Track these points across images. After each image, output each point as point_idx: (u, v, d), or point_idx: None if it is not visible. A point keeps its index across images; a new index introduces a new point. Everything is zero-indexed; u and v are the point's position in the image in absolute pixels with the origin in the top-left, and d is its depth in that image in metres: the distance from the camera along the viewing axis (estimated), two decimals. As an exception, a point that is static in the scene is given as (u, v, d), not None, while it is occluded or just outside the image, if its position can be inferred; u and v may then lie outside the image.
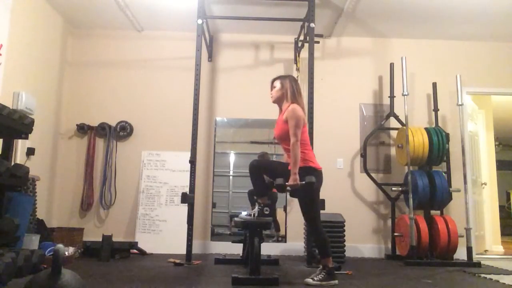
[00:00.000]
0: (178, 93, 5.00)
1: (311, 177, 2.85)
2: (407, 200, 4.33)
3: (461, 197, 4.56)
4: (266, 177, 3.11)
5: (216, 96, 5.08)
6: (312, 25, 4.06)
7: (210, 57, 5.12)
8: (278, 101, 3.13)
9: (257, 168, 3.10)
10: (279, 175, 2.95)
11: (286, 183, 2.86)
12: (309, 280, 2.83)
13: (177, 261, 3.72)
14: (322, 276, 2.86)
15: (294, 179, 2.83)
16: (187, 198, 3.76)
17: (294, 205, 4.70)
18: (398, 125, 4.84)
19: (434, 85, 4.98)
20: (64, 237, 4.23)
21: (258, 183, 3.11)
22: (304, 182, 2.84)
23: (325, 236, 2.95)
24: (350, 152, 5.00)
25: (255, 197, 3.17)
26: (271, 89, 3.18)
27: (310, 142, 3.87)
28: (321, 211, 3.64)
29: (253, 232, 2.97)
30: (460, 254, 4.39)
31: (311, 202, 2.94)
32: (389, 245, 4.72)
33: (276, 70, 5.07)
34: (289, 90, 3.05)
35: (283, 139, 3.02)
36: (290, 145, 2.89)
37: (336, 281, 2.86)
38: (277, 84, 3.13)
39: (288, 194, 3.34)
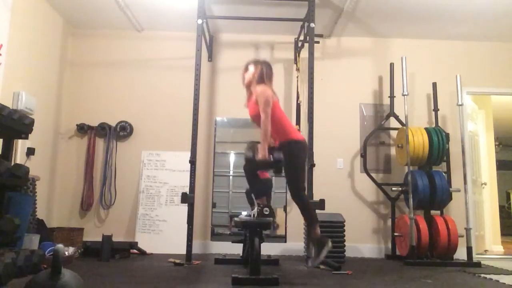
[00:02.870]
0: (178, 93, 5.00)
1: (280, 153, 2.93)
2: (407, 200, 4.33)
3: (461, 197, 4.56)
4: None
5: (216, 96, 5.08)
6: (312, 25, 4.06)
7: (210, 57, 5.12)
8: (248, 83, 3.21)
9: (248, 172, 3.15)
10: (271, 163, 3.00)
11: (256, 158, 2.92)
12: (309, 263, 2.85)
13: (177, 261, 3.72)
14: (316, 249, 2.88)
15: (262, 154, 2.88)
16: (187, 198, 3.76)
17: (294, 205, 4.69)
18: (398, 125, 4.84)
19: (434, 85, 4.98)
20: (64, 237, 4.23)
21: (254, 184, 3.12)
22: (272, 161, 2.91)
23: (309, 203, 3.02)
24: (350, 152, 5.00)
25: (254, 198, 3.18)
26: (244, 73, 3.26)
27: (310, 142, 3.89)
28: (321, 211, 3.67)
29: (253, 232, 2.97)
30: (460, 254, 4.39)
31: (293, 169, 2.96)
32: (389, 245, 4.72)
33: (276, 70, 5.04)
34: (258, 73, 3.14)
35: (257, 118, 3.06)
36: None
37: (330, 243, 2.87)
38: (251, 68, 3.22)
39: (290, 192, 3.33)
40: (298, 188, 2.98)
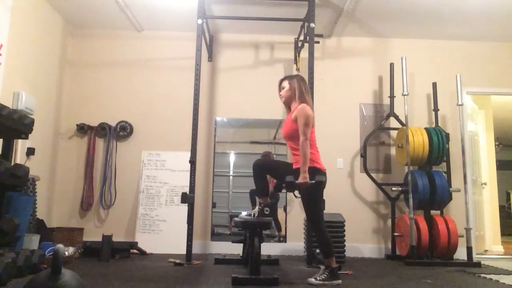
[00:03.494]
0: (178, 93, 5.00)
1: (322, 176, 2.89)
2: (407, 200, 4.33)
3: (461, 197, 4.56)
4: (269, 178, 3.11)
5: (216, 96, 5.08)
6: (312, 25, 4.06)
7: (210, 57, 5.12)
8: (288, 101, 3.13)
9: (261, 168, 3.10)
10: (283, 174, 2.97)
11: (296, 181, 2.86)
12: (312, 280, 2.84)
13: (177, 261, 3.72)
14: (325, 275, 2.86)
15: (304, 177, 2.83)
16: (187, 198, 3.76)
17: (294, 205, 4.71)
18: (398, 125, 4.84)
19: (434, 85, 4.98)
20: (64, 237, 4.23)
21: (260, 182, 3.11)
22: (314, 182, 2.86)
23: (328, 236, 2.96)
24: (350, 152, 5.00)
25: (256, 197, 3.17)
26: (279, 90, 3.18)
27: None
28: (321, 211, 3.66)
29: (253, 232, 2.97)
30: (460, 254, 4.39)
31: (315, 202, 2.96)
32: (389, 245, 4.72)
33: (276, 70, 5.08)
34: (297, 90, 3.05)
35: (291, 138, 3.02)
36: (299, 144, 2.91)
37: (340, 281, 2.87)
38: (285, 84, 3.13)
39: (292, 193, 3.33)
40: (319, 220, 2.95)
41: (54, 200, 4.76)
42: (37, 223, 3.89)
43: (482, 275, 3.49)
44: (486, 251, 5.55)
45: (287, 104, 3.16)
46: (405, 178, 4.52)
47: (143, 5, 4.54)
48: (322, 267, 2.95)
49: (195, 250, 4.31)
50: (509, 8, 4.39)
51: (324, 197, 3.66)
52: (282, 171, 3.05)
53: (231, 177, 4.75)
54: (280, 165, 3.25)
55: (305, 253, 4.16)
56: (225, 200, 4.69)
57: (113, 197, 4.81)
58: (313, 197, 2.94)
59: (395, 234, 4.52)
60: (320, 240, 2.98)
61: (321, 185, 2.93)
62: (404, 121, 4.57)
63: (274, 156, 4.60)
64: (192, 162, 3.88)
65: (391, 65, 4.93)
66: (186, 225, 3.80)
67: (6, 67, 3.74)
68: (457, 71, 4.90)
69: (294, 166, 2.98)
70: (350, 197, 4.90)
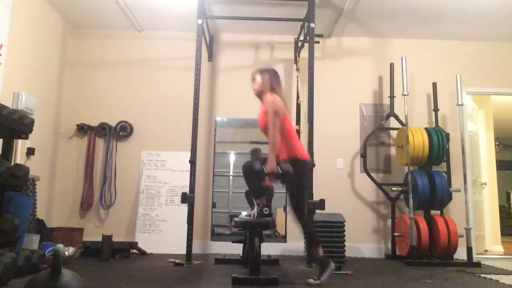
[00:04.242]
0: (178, 93, 5.00)
1: (288, 165, 2.89)
2: (407, 200, 4.33)
3: (461, 197, 4.56)
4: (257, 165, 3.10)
5: (216, 96, 5.08)
6: (312, 25, 4.06)
7: (210, 57, 5.12)
8: (259, 94, 3.19)
9: (250, 168, 3.13)
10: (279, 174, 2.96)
11: (264, 168, 2.89)
12: (311, 281, 2.84)
13: (177, 261, 3.72)
14: (319, 270, 2.88)
15: (270, 166, 2.86)
16: (187, 198, 3.76)
17: (294, 205, 4.70)
18: (398, 125, 4.84)
19: (434, 85, 4.98)
20: (64, 237, 4.23)
21: (253, 184, 3.12)
22: (285, 171, 2.88)
23: (310, 225, 3.02)
24: (350, 152, 5.00)
25: (253, 198, 3.18)
26: (252, 82, 3.23)
27: (311, 142, 3.90)
28: (321, 211, 3.67)
29: (253, 232, 2.97)
30: (460, 254, 4.39)
31: (295, 190, 2.96)
32: (389, 245, 4.72)
33: (276, 70, 5.06)
34: (268, 83, 3.12)
35: (267, 130, 3.05)
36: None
37: (332, 265, 2.88)
38: (257, 77, 3.19)
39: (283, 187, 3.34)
40: (300, 209, 2.96)
41: (54, 200, 4.76)
42: (37, 223, 3.89)
43: (482, 275, 3.49)
44: (486, 251, 5.55)
45: (259, 97, 3.20)
46: (405, 178, 4.52)
47: (143, 5, 4.54)
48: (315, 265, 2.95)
49: (195, 250, 4.30)
50: (509, 8, 4.39)
51: (324, 197, 3.69)
52: (277, 172, 3.03)
53: (231, 177, 4.75)
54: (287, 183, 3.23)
55: (305, 253, 4.16)
56: (225, 200, 4.69)
57: (113, 197, 4.81)
58: (292, 185, 2.95)
59: (395, 234, 4.52)
60: (303, 229, 3.00)
61: (300, 174, 2.91)
62: (404, 121, 4.57)
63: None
64: (192, 162, 3.88)
65: (391, 65, 4.93)
66: (186, 225, 3.80)
67: (6, 67, 3.74)
68: (457, 71, 4.89)
69: (279, 158, 3.00)
70: (350, 197, 4.90)
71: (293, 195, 2.97)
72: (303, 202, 3.03)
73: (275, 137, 2.90)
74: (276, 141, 2.90)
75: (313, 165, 3.84)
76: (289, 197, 3.00)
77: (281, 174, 2.90)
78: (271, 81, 3.13)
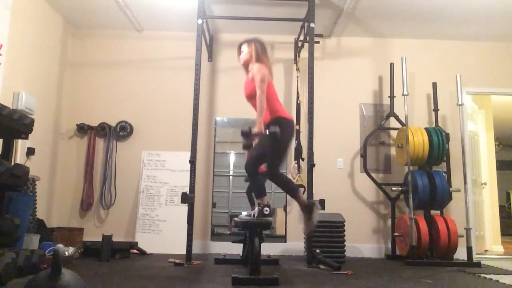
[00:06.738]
0: (178, 93, 5.00)
1: (276, 127, 2.97)
2: (407, 200, 4.33)
3: (461, 197, 4.56)
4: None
5: (216, 96, 5.08)
6: (312, 25, 4.06)
7: (210, 57, 5.12)
8: (246, 63, 3.30)
9: (252, 166, 3.15)
10: (267, 150, 3.05)
11: (251, 131, 2.96)
12: (304, 231, 2.91)
13: (177, 261, 3.72)
14: (306, 215, 3.00)
15: (258, 128, 2.95)
16: (187, 198, 3.76)
17: (294, 205, 4.70)
18: (398, 125, 4.84)
19: (434, 85, 4.98)
20: (64, 237, 4.23)
21: (255, 183, 3.14)
22: (272, 131, 2.95)
23: (286, 178, 3.19)
24: (350, 152, 5.00)
25: (254, 198, 3.18)
26: (238, 54, 3.36)
27: (311, 142, 3.90)
28: (321, 211, 3.65)
29: (253, 232, 2.97)
30: (460, 254, 4.39)
31: (276, 150, 3.03)
32: (389, 245, 4.72)
33: (276, 70, 5.06)
34: (254, 52, 3.24)
35: (252, 97, 3.14)
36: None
37: (318, 205, 3.07)
38: (244, 48, 3.32)
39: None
40: (277, 166, 3.07)
41: (54, 200, 4.76)
42: (37, 223, 3.89)
43: (482, 275, 3.49)
44: (486, 251, 5.55)
45: (246, 67, 3.31)
46: (405, 178, 4.52)
47: (143, 5, 4.54)
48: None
49: (195, 250, 4.31)
50: (509, 8, 4.39)
51: (324, 197, 3.69)
52: (266, 148, 3.10)
53: (231, 177, 4.76)
54: (262, 146, 3.22)
55: (305, 253, 4.16)
56: (225, 200, 4.70)
57: (113, 197, 4.81)
58: (273, 145, 3.00)
59: (395, 234, 4.52)
60: (281, 185, 3.15)
61: (277, 134, 2.96)
62: (404, 121, 4.57)
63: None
64: (192, 162, 3.88)
65: (391, 65, 4.93)
66: (186, 225, 3.80)
67: (6, 67, 3.74)
68: (457, 71, 4.89)
69: (265, 119, 3.08)
70: (350, 197, 4.90)
71: (273, 150, 3.02)
72: (280, 162, 3.10)
73: (263, 102, 3.01)
74: (263, 104, 3.01)
75: (313, 165, 3.84)
76: (270, 152, 3.04)
77: (268, 135, 2.98)
78: (257, 50, 3.24)
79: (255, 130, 2.95)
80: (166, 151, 4.89)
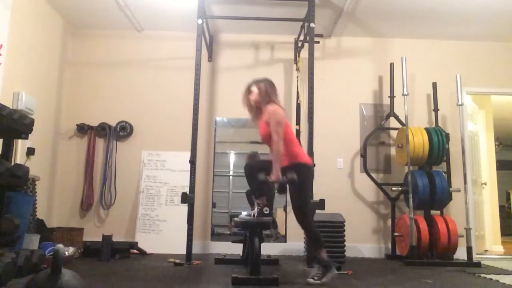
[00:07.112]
0: (178, 93, 5.00)
1: (293, 173, 2.91)
2: (407, 200, 4.33)
3: (461, 197, 4.56)
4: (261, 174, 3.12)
5: (216, 96, 5.08)
6: (312, 25, 4.06)
7: (210, 57, 5.12)
8: (258, 104, 3.16)
9: (252, 169, 3.15)
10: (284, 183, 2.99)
11: (268, 178, 2.91)
12: (311, 280, 2.84)
13: (177, 261, 3.72)
14: (321, 271, 2.88)
15: (275, 175, 2.88)
16: (187, 198, 3.76)
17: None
18: (398, 125, 4.84)
19: (434, 85, 4.98)
20: (64, 237, 4.23)
21: (254, 184, 3.13)
22: (286, 178, 2.90)
23: (316, 228, 3.02)
24: (350, 152, 5.00)
25: (253, 198, 3.18)
26: (248, 94, 3.20)
27: (311, 142, 3.90)
28: (321, 211, 3.66)
29: (253, 232, 2.97)
30: (460, 254, 4.39)
31: (298, 196, 2.97)
32: (389, 245, 4.71)
33: (276, 70, 5.08)
34: (265, 93, 3.09)
35: (267, 139, 3.05)
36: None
37: (335, 270, 2.91)
38: (254, 88, 3.16)
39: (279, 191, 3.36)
40: (305, 214, 2.98)
41: (54, 200, 4.76)
42: (37, 223, 3.89)
43: (482, 275, 3.49)
44: (486, 251, 5.55)
45: (257, 108, 3.16)
46: (405, 178, 4.52)
47: (143, 5, 4.54)
48: (317, 265, 2.95)
49: (195, 250, 4.30)
50: (509, 8, 4.39)
51: (324, 197, 3.69)
52: (282, 181, 3.04)
53: (231, 177, 4.75)
54: (269, 165, 3.24)
55: (305, 253, 4.17)
56: (225, 200, 4.69)
57: (113, 197, 4.81)
58: (295, 191, 2.96)
59: (395, 234, 4.52)
60: (308, 234, 3.03)
61: (304, 179, 2.93)
62: (404, 121, 4.57)
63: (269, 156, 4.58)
64: (192, 162, 3.88)
65: (391, 65, 4.93)
66: (186, 225, 3.80)
67: (6, 67, 3.74)
68: (457, 71, 4.89)
69: (281, 165, 2.99)
70: (350, 197, 4.90)
71: (297, 197, 2.97)
72: (307, 205, 3.03)
73: (279, 147, 2.91)
74: (280, 151, 2.91)
75: (313, 165, 3.84)
76: (293, 200, 2.99)
77: (285, 182, 2.91)
78: (268, 90, 3.11)
79: (272, 178, 2.88)
80: (166, 151, 4.89)
